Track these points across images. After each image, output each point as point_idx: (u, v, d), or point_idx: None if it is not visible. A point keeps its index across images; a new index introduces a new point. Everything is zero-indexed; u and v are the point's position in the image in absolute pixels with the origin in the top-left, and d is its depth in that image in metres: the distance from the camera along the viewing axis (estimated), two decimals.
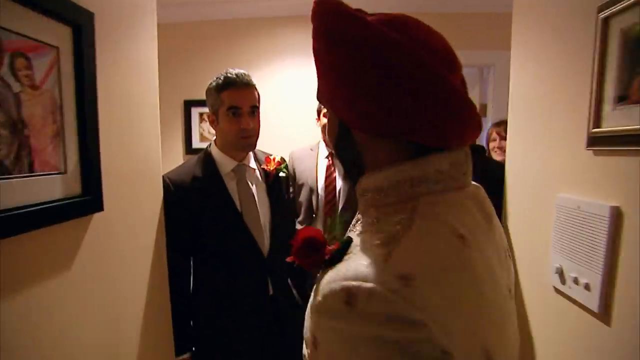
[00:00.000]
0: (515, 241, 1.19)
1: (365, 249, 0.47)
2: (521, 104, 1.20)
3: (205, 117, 2.99)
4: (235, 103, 1.24)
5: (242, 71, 1.26)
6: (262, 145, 1.49)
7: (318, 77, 0.56)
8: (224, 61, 2.87)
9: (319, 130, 2.36)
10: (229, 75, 1.24)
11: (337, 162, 2.23)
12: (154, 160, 1.19)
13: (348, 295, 0.42)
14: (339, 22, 0.49)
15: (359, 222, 0.57)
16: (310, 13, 0.53)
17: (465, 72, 0.57)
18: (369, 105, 0.49)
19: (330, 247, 0.52)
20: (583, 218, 0.87)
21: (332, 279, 0.45)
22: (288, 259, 0.59)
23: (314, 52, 0.55)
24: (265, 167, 1.38)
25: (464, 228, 0.48)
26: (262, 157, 1.42)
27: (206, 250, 1.30)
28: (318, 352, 0.46)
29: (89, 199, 0.85)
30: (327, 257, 0.51)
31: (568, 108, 0.94)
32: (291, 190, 2.35)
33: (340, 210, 2.21)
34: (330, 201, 2.23)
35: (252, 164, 1.37)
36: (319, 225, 2.26)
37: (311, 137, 2.54)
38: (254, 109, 1.28)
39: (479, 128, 0.53)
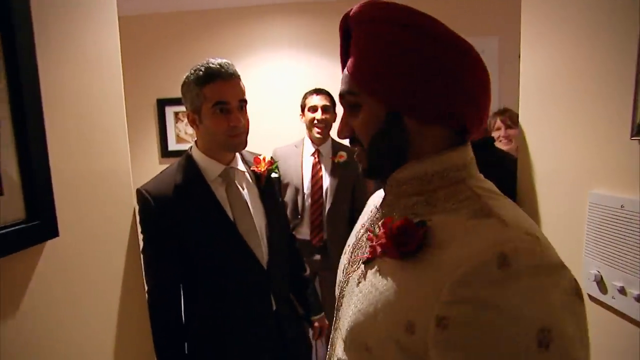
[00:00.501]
0: None
1: (458, 225, 0.50)
2: (535, 89, 1.08)
3: (181, 116, 2.80)
4: (222, 98, 1.07)
5: (225, 60, 1.09)
6: (251, 145, 1.34)
7: (367, 69, 0.56)
8: (200, 55, 2.60)
9: (303, 126, 2.23)
10: (211, 65, 1.06)
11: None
12: (122, 169, 1.02)
13: (500, 259, 0.43)
14: (406, 17, 0.53)
15: (388, 214, 0.60)
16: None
17: None
18: (437, 94, 0.53)
19: (419, 229, 0.52)
20: (629, 219, 0.75)
21: (467, 254, 0.46)
22: (379, 253, 0.55)
23: (368, 46, 0.55)
24: (256, 169, 1.22)
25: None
26: (250, 158, 1.25)
27: (198, 270, 1.13)
28: (449, 332, 0.45)
29: (37, 223, 0.69)
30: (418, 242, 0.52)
31: (602, 91, 0.82)
32: None
33: (328, 211, 2.10)
34: (317, 200, 2.11)
35: (241, 166, 1.21)
36: (306, 227, 2.14)
37: (295, 134, 2.39)
38: (243, 103, 1.12)
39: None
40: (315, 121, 2.09)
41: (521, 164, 1.13)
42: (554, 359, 0.40)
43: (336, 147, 2.16)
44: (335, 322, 0.68)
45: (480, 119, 0.56)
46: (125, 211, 1.02)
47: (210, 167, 1.13)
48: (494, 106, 2.16)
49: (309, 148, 2.17)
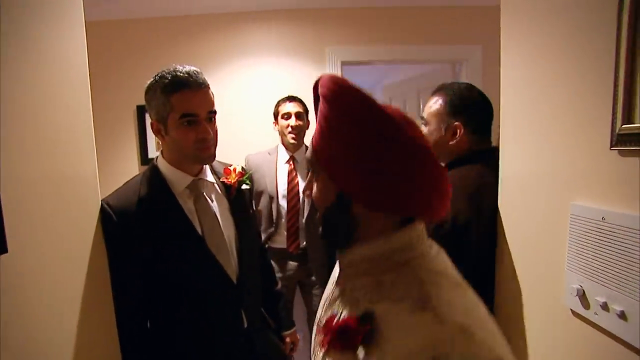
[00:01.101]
0: (516, 256, 1.05)
1: (399, 317, 0.52)
2: (515, 100, 1.06)
3: None
4: (191, 110, 1.00)
5: (193, 68, 1.03)
6: (228, 154, 1.29)
7: (325, 146, 0.59)
8: (180, 62, 2.55)
9: (276, 133, 2.21)
10: (178, 73, 1.00)
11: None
12: (88, 177, 0.96)
13: None
14: (365, 111, 0.55)
15: (342, 294, 0.63)
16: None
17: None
18: (386, 187, 0.56)
19: (361, 327, 0.54)
20: (611, 231, 0.72)
21: (404, 354, 0.49)
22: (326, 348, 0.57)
23: (327, 125, 0.58)
24: (226, 180, 1.17)
25: (456, 275, 0.59)
26: (220, 169, 1.20)
27: (164, 290, 1.07)
28: None
29: None
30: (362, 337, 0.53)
31: (581, 101, 0.80)
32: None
33: (306, 217, 2.07)
34: (294, 207, 2.09)
35: (210, 177, 1.15)
36: (282, 235, 2.11)
37: (269, 141, 2.35)
38: (212, 114, 1.06)
39: (449, 199, 0.62)
40: (290, 128, 2.08)
41: (503, 176, 1.11)
42: None
43: None
44: None
45: (432, 209, 0.59)
46: (90, 219, 0.97)
47: (177, 179, 1.07)
48: None
49: (284, 155, 2.16)
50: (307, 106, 2.17)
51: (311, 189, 0.65)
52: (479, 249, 1.12)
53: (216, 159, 1.12)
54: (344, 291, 0.63)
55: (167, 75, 1.00)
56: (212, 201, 1.12)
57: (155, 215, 1.03)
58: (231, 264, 1.11)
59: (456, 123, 1.22)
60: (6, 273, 0.68)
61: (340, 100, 0.56)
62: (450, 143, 1.24)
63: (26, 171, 0.75)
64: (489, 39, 2.62)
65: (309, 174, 0.66)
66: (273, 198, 2.09)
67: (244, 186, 1.19)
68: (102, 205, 1.00)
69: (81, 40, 0.97)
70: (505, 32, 1.10)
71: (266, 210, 2.10)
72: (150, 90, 1.03)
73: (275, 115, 2.17)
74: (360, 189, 0.57)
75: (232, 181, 1.15)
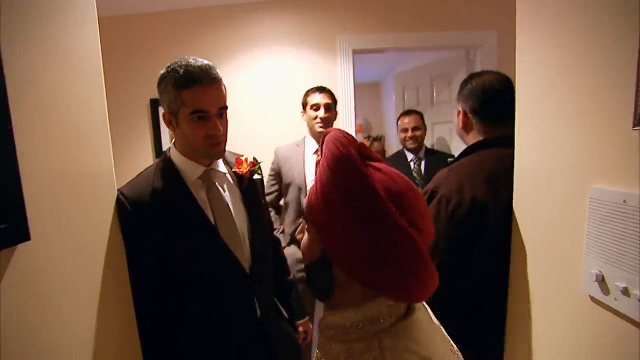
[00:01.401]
0: (532, 241, 1.04)
1: None
2: (532, 81, 1.03)
3: None
4: (201, 106, 1.00)
5: (205, 62, 1.02)
6: (240, 146, 1.30)
7: (317, 207, 0.61)
8: (191, 54, 2.52)
9: (303, 123, 2.22)
10: (190, 68, 0.99)
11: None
12: (104, 169, 0.98)
13: None
14: (358, 188, 0.57)
15: (322, 357, 0.65)
16: None
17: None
18: (362, 263, 0.58)
19: None
20: (631, 215, 0.70)
21: None
22: None
23: (321, 190, 0.60)
24: (237, 170, 1.18)
25: (425, 348, 0.60)
26: (231, 159, 1.21)
27: (178, 280, 1.08)
28: None
29: (5, 227, 0.65)
30: None
31: (602, 79, 0.77)
32: (276, 188, 2.22)
33: None
34: None
35: (222, 167, 1.16)
36: None
37: (295, 130, 2.35)
38: (223, 110, 1.06)
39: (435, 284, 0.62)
40: (318, 119, 2.09)
41: (518, 160, 1.09)
42: None
43: None
44: None
45: (409, 294, 0.60)
46: (107, 212, 0.98)
47: (190, 169, 1.08)
48: None
49: (312, 146, 2.16)
50: (335, 97, 2.19)
51: (303, 235, 0.69)
52: (496, 233, 1.11)
53: (231, 151, 1.12)
54: (323, 354, 0.66)
55: (179, 69, 0.99)
56: (224, 191, 1.13)
57: (169, 205, 1.04)
58: (244, 253, 1.12)
59: (460, 108, 1.30)
60: (24, 264, 0.70)
61: (340, 170, 0.59)
62: (460, 127, 1.32)
63: (46, 168, 0.77)
64: (503, 23, 2.57)
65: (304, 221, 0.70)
66: (301, 189, 2.10)
67: (256, 176, 1.20)
68: (117, 194, 1.02)
69: (94, 34, 0.98)
70: (520, 15, 1.07)
71: (295, 202, 2.11)
72: (162, 83, 1.04)
73: (304, 105, 2.18)
74: (338, 257, 0.61)
75: (244, 171, 1.16)
